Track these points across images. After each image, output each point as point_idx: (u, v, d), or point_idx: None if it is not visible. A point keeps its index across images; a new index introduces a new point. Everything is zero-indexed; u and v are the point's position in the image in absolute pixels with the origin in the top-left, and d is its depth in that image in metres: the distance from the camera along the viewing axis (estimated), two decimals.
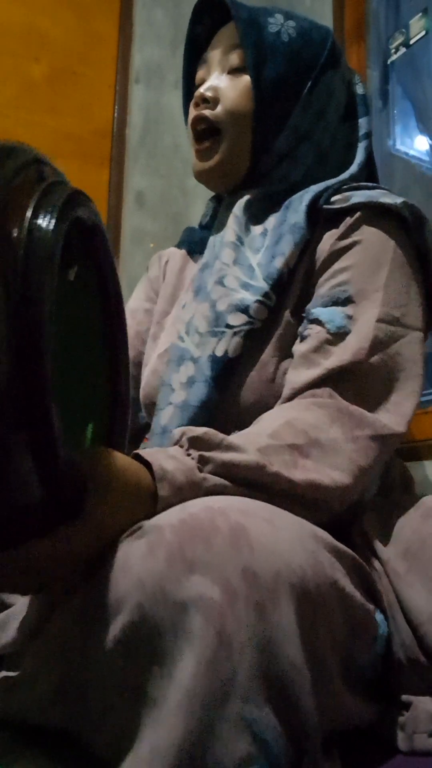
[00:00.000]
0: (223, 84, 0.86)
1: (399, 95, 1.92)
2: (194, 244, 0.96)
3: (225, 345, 0.76)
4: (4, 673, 0.55)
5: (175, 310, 0.91)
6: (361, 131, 0.90)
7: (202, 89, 0.87)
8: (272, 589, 0.43)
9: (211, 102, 0.86)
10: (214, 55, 0.89)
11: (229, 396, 0.77)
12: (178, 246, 1.00)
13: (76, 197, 0.50)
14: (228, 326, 0.77)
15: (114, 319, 0.60)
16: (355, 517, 0.70)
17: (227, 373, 0.76)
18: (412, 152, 1.91)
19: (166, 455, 0.56)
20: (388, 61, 1.90)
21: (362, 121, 0.90)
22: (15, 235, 0.43)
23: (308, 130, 0.85)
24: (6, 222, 0.43)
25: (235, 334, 0.76)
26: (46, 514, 0.47)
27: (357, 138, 0.89)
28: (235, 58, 0.86)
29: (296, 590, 0.45)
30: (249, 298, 0.77)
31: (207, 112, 0.86)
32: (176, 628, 0.42)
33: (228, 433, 0.61)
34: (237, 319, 0.77)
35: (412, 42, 1.83)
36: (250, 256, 0.82)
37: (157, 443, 0.79)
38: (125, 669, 0.44)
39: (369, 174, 0.92)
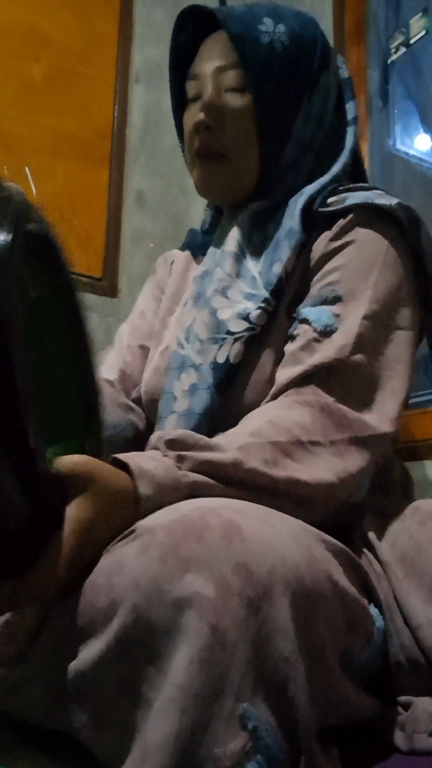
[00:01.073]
0: (223, 106, 0.83)
1: (399, 95, 1.91)
2: (197, 247, 0.96)
3: (226, 351, 0.77)
4: (2, 673, 0.55)
5: (179, 309, 0.92)
6: (349, 116, 0.88)
7: (202, 114, 0.83)
8: (266, 585, 0.43)
9: (215, 128, 0.83)
10: (206, 69, 0.85)
11: (230, 401, 0.77)
12: (182, 248, 1.01)
13: (27, 210, 0.49)
14: (229, 332, 0.77)
15: (77, 331, 0.60)
16: (355, 519, 0.70)
17: (228, 379, 0.77)
18: (412, 152, 1.91)
19: (144, 457, 0.56)
20: (388, 61, 1.90)
21: (349, 106, 0.88)
22: None
23: (311, 139, 0.85)
24: None
25: (236, 340, 0.77)
26: (30, 528, 0.47)
27: (346, 124, 0.89)
28: (231, 78, 0.83)
29: (291, 585, 0.45)
30: (251, 306, 0.78)
31: (212, 141, 0.83)
32: (171, 627, 0.42)
33: None
34: (238, 326, 0.77)
35: (412, 42, 1.83)
36: (251, 267, 0.82)
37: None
38: (122, 669, 0.44)
39: (354, 158, 0.90)
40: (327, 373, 0.69)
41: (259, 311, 0.77)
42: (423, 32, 1.79)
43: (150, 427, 0.94)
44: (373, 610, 0.59)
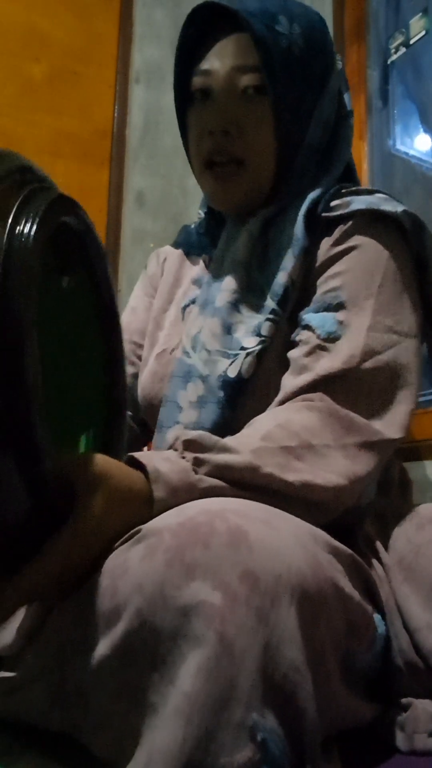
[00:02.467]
0: (240, 111, 0.80)
1: (399, 95, 1.91)
2: (191, 246, 0.95)
3: (238, 366, 0.75)
4: (3, 674, 0.55)
5: (173, 310, 0.91)
6: (346, 108, 0.87)
7: (216, 117, 0.80)
8: (273, 593, 0.43)
9: (234, 134, 0.80)
10: (220, 69, 0.81)
11: (241, 415, 0.76)
12: (174, 246, 1.00)
13: (60, 203, 0.49)
14: (242, 348, 0.76)
15: (109, 325, 0.59)
16: (358, 521, 0.70)
17: (239, 394, 0.76)
18: (412, 152, 1.91)
19: (161, 458, 0.56)
20: (388, 61, 1.90)
21: (345, 97, 0.87)
22: None
23: (320, 142, 0.84)
24: None
25: (248, 355, 0.76)
26: (35, 524, 0.47)
27: (345, 118, 0.87)
28: (251, 80, 0.79)
29: (297, 592, 0.45)
30: (261, 319, 0.77)
31: (229, 146, 0.80)
32: (176, 633, 0.42)
33: None
34: (251, 342, 0.76)
35: (412, 42, 1.83)
36: (258, 277, 0.81)
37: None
38: (124, 674, 0.44)
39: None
40: (334, 382, 0.69)
41: (268, 323, 0.76)
42: (423, 32, 1.79)
43: (142, 427, 0.93)
44: (376, 616, 0.59)
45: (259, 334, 0.76)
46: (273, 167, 0.81)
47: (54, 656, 0.50)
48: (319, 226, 0.80)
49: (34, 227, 0.43)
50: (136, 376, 0.92)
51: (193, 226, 0.98)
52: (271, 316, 0.76)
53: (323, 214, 0.79)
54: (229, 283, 0.81)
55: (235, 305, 0.80)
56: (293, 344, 0.76)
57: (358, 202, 0.77)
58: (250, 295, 0.80)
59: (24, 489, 0.44)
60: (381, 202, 0.77)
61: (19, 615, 0.57)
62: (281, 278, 0.77)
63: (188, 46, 0.85)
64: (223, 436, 0.74)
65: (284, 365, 0.76)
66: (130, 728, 0.43)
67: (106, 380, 0.60)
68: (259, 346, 0.76)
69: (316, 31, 0.83)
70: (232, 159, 0.80)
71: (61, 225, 0.49)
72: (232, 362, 0.76)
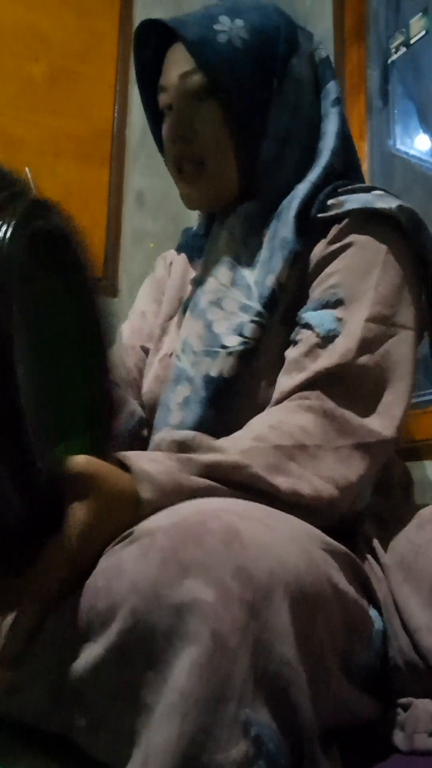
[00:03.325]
0: (193, 114, 0.82)
1: (399, 95, 1.92)
2: (192, 249, 0.95)
3: (219, 365, 0.76)
4: (2, 675, 0.55)
5: (178, 316, 0.91)
6: (331, 96, 0.85)
7: (173, 125, 0.83)
8: (266, 589, 0.43)
9: (188, 138, 0.83)
10: (171, 79, 0.83)
11: (225, 414, 0.76)
12: (178, 250, 0.99)
13: (36, 207, 0.48)
14: (223, 346, 0.76)
15: (92, 329, 0.59)
16: (357, 521, 0.70)
17: (223, 394, 0.76)
18: (412, 152, 1.91)
19: (148, 458, 0.56)
20: (389, 61, 1.90)
21: (330, 86, 0.85)
22: None
23: (288, 129, 0.82)
24: None
25: (229, 354, 0.76)
26: (29, 529, 0.47)
27: (328, 105, 0.85)
28: (195, 83, 0.81)
29: (291, 588, 0.45)
30: (245, 318, 0.77)
31: (187, 151, 0.83)
32: (171, 632, 0.42)
33: None
34: (232, 341, 0.76)
35: (412, 42, 1.83)
36: (247, 275, 0.80)
37: None
38: (120, 674, 0.44)
39: (345, 141, 0.86)
40: (331, 379, 0.69)
41: (253, 325, 0.76)
42: (423, 32, 1.79)
43: (150, 430, 0.94)
44: (373, 612, 0.59)
45: (241, 334, 0.76)
46: (234, 162, 0.82)
47: (51, 657, 0.50)
48: (314, 228, 0.79)
49: (9, 232, 0.43)
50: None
51: (193, 228, 0.98)
52: (256, 318, 0.76)
53: (318, 215, 0.78)
54: (211, 283, 0.82)
55: (216, 303, 0.80)
56: (292, 343, 0.75)
57: (353, 201, 0.77)
58: (234, 290, 0.80)
59: (15, 494, 0.44)
60: (376, 199, 0.77)
61: (16, 619, 0.57)
62: (269, 281, 0.77)
63: (148, 67, 0.88)
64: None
65: (277, 369, 0.76)
66: (127, 729, 0.43)
67: (93, 383, 0.60)
68: (241, 347, 0.75)
69: (266, 21, 0.82)
70: (193, 161, 0.83)
71: (38, 230, 0.48)
72: (214, 360, 0.76)
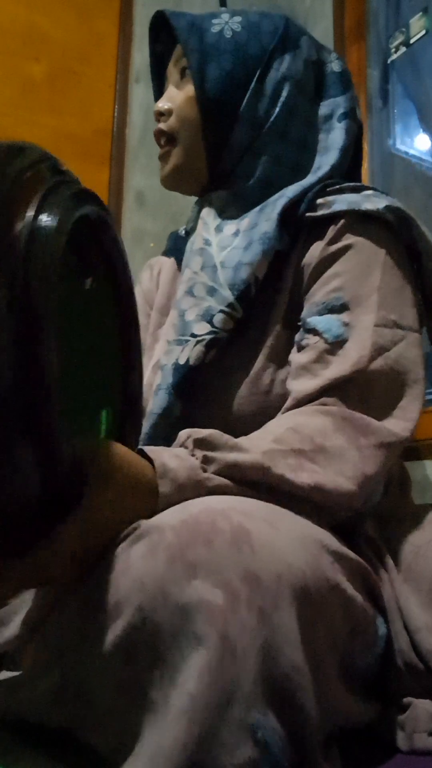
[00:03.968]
0: (174, 93, 0.87)
1: (399, 95, 1.92)
2: (179, 252, 0.94)
3: (187, 353, 0.76)
4: (4, 673, 0.55)
5: (168, 318, 0.91)
6: (339, 110, 0.85)
7: (158, 104, 0.88)
8: (274, 593, 0.43)
9: (166, 114, 0.87)
10: (170, 68, 0.90)
11: (195, 406, 0.76)
12: (166, 254, 1.00)
13: (82, 195, 0.49)
14: (192, 335, 0.77)
15: (127, 317, 0.60)
16: (359, 522, 0.70)
17: (190, 382, 0.76)
18: (412, 152, 1.91)
19: (171, 454, 0.55)
20: (389, 61, 1.90)
21: (340, 100, 0.86)
22: (18, 233, 0.43)
23: (265, 119, 0.82)
24: (11, 221, 0.43)
25: (197, 342, 0.76)
26: (47, 507, 0.47)
27: (334, 118, 0.86)
28: (180, 66, 0.87)
29: (297, 593, 0.45)
30: (214, 307, 0.77)
31: (163, 125, 0.87)
32: (178, 632, 0.42)
33: None
34: (201, 329, 0.76)
35: (412, 41, 1.83)
36: (215, 254, 0.81)
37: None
38: (125, 671, 0.44)
39: (354, 153, 0.88)
40: (346, 386, 0.69)
41: (222, 315, 0.76)
42: (423, 32, 1.79)
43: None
44: (379, 619, 0.59)
45: (210, 323, 0.76)
46: (201, 141, 0.84)
47: (56, 652, 0.50)
48: (301, 227, 0.79)
49: (57, 218, 0.44)
50: None
51: (180, 231, 0.98)
52: (227, 309, 0.76)
53: (307, 214, 0.78)
54: (186, 274, 0.83)
55: (189, 291, 0.81)
56: (297, 347, 0.75)
57: (341, 202, 0.77)
58: (203, 273, 0.80)
59: (38, 474, 0.44)
60: (363, 200, 0.76)
61: (21, 608, 0.57)
62: (244, 272, 0.76)
63: (161, 61, 0.93)
64: (171, 425, 0.75)
65: (277, 366, 0.76)
66: (131, 725, 0.43)
67: (122, 370, 0.60)
68: (209, 336, 0.75)
69: (265, 21, 0.86)
70: (167, 137, 0.87)
71: (81, 217, 0.49)
72: (183, 349, 0.76)
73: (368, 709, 0.57)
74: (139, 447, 0.56)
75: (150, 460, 0.54)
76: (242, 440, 0.60)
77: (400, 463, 0.87)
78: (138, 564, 0.45)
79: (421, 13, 1.80)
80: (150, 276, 1.00)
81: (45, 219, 0.44)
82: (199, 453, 0.57)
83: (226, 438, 0.58)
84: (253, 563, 0.44)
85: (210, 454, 0.56)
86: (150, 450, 0.55)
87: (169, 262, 0.97)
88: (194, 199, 0.93)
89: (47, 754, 0.52)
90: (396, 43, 1.87)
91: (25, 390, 0.42)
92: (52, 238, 0.44)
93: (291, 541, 0.48)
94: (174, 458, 0.55)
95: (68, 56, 1.96)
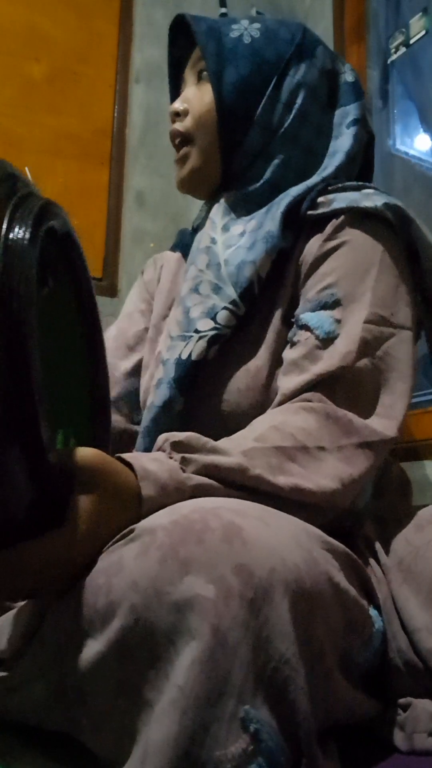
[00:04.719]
0: (191, 95, 0.89)
1: (399, 95, 1.92)
2: (186, 247, 0.96)
3: (190, 349, 0.77)
4: (2, 674, 0.55)
5: (172, 313, 0.92)
6: (349, 117, 0.87)
7: (174, 104, 0.89)
8: (266, 586, 0.43)
9: (182, 115, 0.89)
10: (187, 70, 0.92)
11: (197, 401, 0.77)
12: (173, 249, 1.00)
13: (48, 208, 0.50)
14: (196, 331, 0.78)
15: (91, 327, 0.61)
16: (356, 524, 0.70)
17: (191, 377, 0.77)
18: (412, 152, 1.91)
19: (149, 458, 0.56)
20: (389, 61, 1.90)
21: (350, 108, 0.88)
22: None
23: (279, 125, 0.84)
24: None
25: (200, 338, 0.77)
26: (34, 516, 0.47)
27: (343, 125, 0.87)
28: (198, 69, 0.89)
29: (291, 586, 0.45)
30: (218, 304, 0.78)
31: (178, 126, 0.88)
32: (172, 630, 0.42)
33: (213, 440, 0.61)
34: (204, 325, 0.77)
35: (412, 42, 1.83)
36: (219, 252, 0.82)
37: (138, 443, 0.81)
38: (121, 671, 0.44)
39: (365, 162, 0.90)
40: (332, 382, 0.69)
41: (225, 312, 0.77)
42: (423, 32, 1.79)
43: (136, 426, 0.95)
44: (373, 612, 0.59)
45: (214, 319, 0.76)
46: (217, 145, 0.85)
47: (52, 655, 0.50)
48: (304, 225, 0.79)
49: (29, 232, 0.45)
50: (132, 374, 0.93)
51: (189, 229, 0.99)
52: (230, 306, 0.77)
53: (308, 212, 0.79)
54: (191, 271, 0.83)
55: (194, 289, 0.81)
56: (290, 344, 0.76)
57: (340, 200, 0.78)
58: (209, 272, 0.81)
59: (26, 481, 0.45)
60: (362, 198, 0.77)
61: (16, 616, 0.57)
62: (247, 271, 0.77)
63: (179, 64, 0.95)
64: (180, 422, 0.76)
65: (276, 362, 0.76)
66: (128, 726, 0.43)
67: (88, 381, 0.61)
68: (212, 332, 0.76)
69: (283, 29, 0.87)
70: (183, 138, 0.88)
71: (49, 230, 0.50)
72: (186, 344, 0.77)
73: (369, 705, 0.57)
74: (117, 454, 0.56)
75: (129, 465, 0.54)
76: (223, 441, 0.61)
77: (399, 466, 0.88)
78: (131, 564, 0.45)
79: (421, 14, 1.80)
80: (153, 268, 1.02)
81: (17, 234, 0.45)
82: (177, 455, 0.57)
83: (205, 440, 0.59)
84: (245, 557, 0.44)
85: (188, 455, 0.57)
86: (128, 456, 0.55)
87: (174, 257, 0.99)
88: (194, 200, 0.94)
89: (47, 754, 0.52)
90: (396, 43, 1.87)
91: (10, 400, 0.43)
92: (26, 252, 0.44)
93: (283, 536, 0.49)
94: (153, 461, 0.55)
95: (68, 56, 1.96)
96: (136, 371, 0.93)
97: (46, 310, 0.54)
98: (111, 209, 1.93)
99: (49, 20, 1.95)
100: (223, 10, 2.12)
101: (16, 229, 0.45)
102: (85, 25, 2.02)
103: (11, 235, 0.44)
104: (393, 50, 1.88)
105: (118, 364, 0.93)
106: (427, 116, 1.89)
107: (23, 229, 0.45)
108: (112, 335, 0.97)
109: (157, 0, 2.13)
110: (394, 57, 1.89)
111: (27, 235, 0.45)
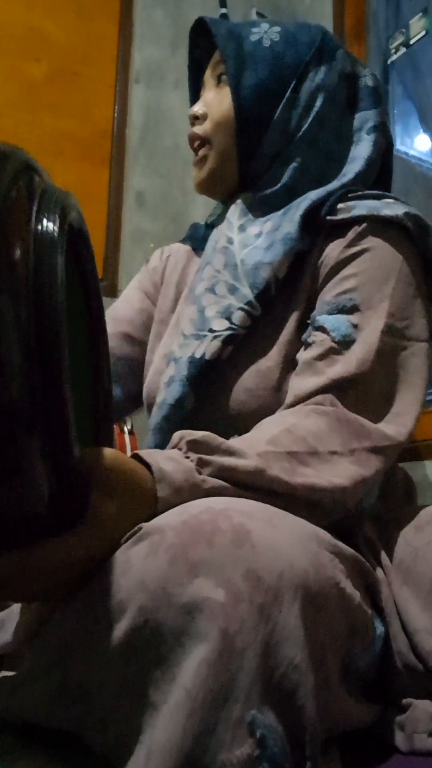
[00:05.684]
0: (210, 98, 0.89)
1: (399, 95, 1.92)
2: (198, 240, 0.96)
3: (204, 348, 0.77)
4: (4, 673, 0.55)
5: (179, 308, 0.92)
6: (369, 124, 0.87)
7: (193, 108, 0.90)
8: (276, 591, 0.43)
9: (201, 118, 0.89)
10: (207, 73, 0.92)
11: (209, 400, 0.77)
12: (183, 241, 1.01)
13: (69, 201, 0.50)
14: (210, 330, 0.78)
15: (96, 321, 0.60)
16: (358, 524, 0.70)
17: (204, 376, 0.77)
18: (412, 152, 1.91)
19: (165, 457, 0.56)
20: (388, 61, 1.90)
21: (370, 114, 0.88)
22: (22, 243, 0.43)
23: (297, 128, 0.84)
24: (11, 230, 0.43)
25: (215, 338, 0.77)
26: (53, 514, 0.47)
27: (363, 131, 0.87)
28: (218, 71, 0.89)
29: (299, 591, 0.45)
30: (234, 304, 0.78)
31: (197, 129, 0.89)
32: (179, 631, 0.42)
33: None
34: (220, 325, 0.78)
35: (412, 42, 1.83)
36: (236, 252, 0.82)
37: (149, 439, 0.81)
38: (127, 672, 0.44)
39: (383, 168, 0.90)
40: (346, 386, 0.69)
41: (241, 313, 0.77)
42: (423, 32, 1.79)
43: (131, 404, 0.96)
44: (376, 618, 0.59)
45: (229, 319, 0.77)
46: (235, 147, 0.86)
47: (57, 654, 0.50)
48: (321, 230, 0.80)
49: (57, 224, 0.45)
50: (127, 362, 0.94)
51: (206, 221, 0.99)
52: (246, 307, 0.77)
53: (327, 218, 0.79)
54: (208, 271, 0.83)
55: (210, 289, 0.82)
56: (305, 345, 0.76)
57: (360, 207, 0.78)
58: (225, 272, 0.81)
59: (47, 477, 0.44)
60: (383, 206, 0.77)
61: (20, 614, 0.57)
62: (264, 272, 0.78)
63: (199, 67, 0.95)
64: (191, 421, 0.75)
65: (288, 363, 0.76)
66: (132, 726, 0.43)
67: (91, 379, 0.61)
68: (227, 332, 0.76)
69: (303, 33, 0.87)
70: (201, 140, 0.89)
71: (71, 222, 0.49)
72: (201, 343, 0.77)
73: (368, 711, 0.57)
74: (134, 452, 0.56)
75: (146, 464, 0.54)
76: (237, 442, 0.61)
77: (403, 470, 0.88)
78: (140, 565, 0.45)
79: (421, 14, 1.80)
80: (159, 259, 1.02)
81: (46, 225, 0.44)
82: (194, 455, 0.57)
83: (220, 441, 0.58)
84: (255, 561, 0.44)
85: (205, 457, 0.57)
86: (145, 454, 0.55)
87: (183, 249, 0.99)
88: (194, 200, 0.94)
89: (47, 754, 0.52)
90: (396, 43, 1.87)
91: (41, 394, 0.42)
92: (56, 248, 0.44)
93: (292, 539, 0.48)
94: (169, 461, 0.55)
95: (68, 56, 1.96)
96: (114, 339, 0.94)
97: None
98: (111, 209, 1.93)
99: (49, 20, 1.95)
100: (223, 10, 2.12)
101: (44, 222, 0.44)
102: (85, 25, 2.02)
103: (40, 227, 0.44)
104: (393, 50, 1.89)
105: (112, 350, 0.94)
106: (426, 117, 1.89)
107: (51, 221, 0.45)
108: (107, 322, 0.98)
109: (157, 0, 2.13)
110: (394, 57, 1.89)
111: (56, 228, 0.45)
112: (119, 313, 0.98)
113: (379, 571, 0.64)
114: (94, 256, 0.58)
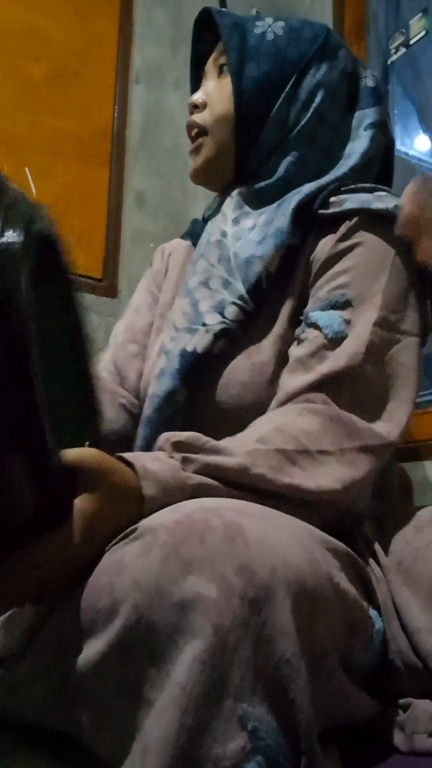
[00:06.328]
0: (211, 88, 0.89)
1: (399, 95, 1.92)
2: (196, 236, 0.96)
3: (195, 341, 0.77)
4: (3, 674, 0.55)
5: (177, 304, 0.92)
6: (367, 120, 0.87)
7: (194, 96, 0.90)
8: (268, 586, 0.43)
9: (201, 107, 0.89)
10: (209, 63, 0.92)
11: (200, 394, 0.77)
12: (183, 237, 1.01)
13: (37, 212, 0.50)
14: (203, 324, 0.78)
15: (76, 328, 0.60)
16: (356, 525, 0.70)
17: (196, 369, 0.77)
18: (412, 152, 1.91)
19: (150, 457, 0.56)
20: (388, 61, 1.90)
21: (369, 111, 0.88)
22: None
23: (295, 123, 0.84)
24: None
25: (207, 332, 0.77)
26: (39, 518, 0.47)
27: (361, 128, 0.87)
28: (219, 62, 0.89)
29: (293, 586, 0.45)
30: (227, 299, 0.78)
31: (196, 117, 0.89)
32: (173, 628, 0.42)
33: (214, 434, 0.61)
34: (212, 319, 0.78)
35: (412, 42, 1.83)
36: (230, 245, 0.82)
37: (140, 432, 0.81)
38: (123, 671, 0.44)
39: (385, 168, 0.90)
40: (338, 382, 0.69)
41: (233, 308, 0.77)
42: (423, 33, 1.79)
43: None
44: (372, 612, 0.59)
45: (222, 314, 0.76)
46: (232, 138, 0.86)
47: (54, 655, 0.50)
48: (314, 223, 0.80)
49: (22, 235, 0.45)
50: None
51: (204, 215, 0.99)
52: (238, 302, 0.77)
53: (320, 212, 0.79)
54: (201, 264, 0.84)
55: (204, 283, 0.82)
56: (297, 341, 0.76)
57: (353, 201, 0.78)
58: (220, 266, 0.81)
59: (30, 486, 0.44)
60: (375, 199, 0.77)
61: (19, 616, 0.57)
62: (256, 266, 0.77)
63: (202, 60, 0.95)
64: (183, 415, 0.76)
65: (282, 358, 0.76)
66: (128, 724, 0.43)
67: (75, 383, 0.61)
68: (219, 326, 0.76)
69: (307, 26, 0.88)
70: (199, 129, 0.89)
71: (38, 233, 0.50)
72: (192, 337, 0.77)
73: (370, 705, 0.57)
74: (118, 454, 0.56)
75: (130, 464, 0.54)
76: (225, 441, 0.61)
77: (402, 469, 0.88)
78: (133, 564, 0.45)
79: (421, 14, 1.80)
80: (161, 258, 1.02)
81: (10, 239, 0.45)
82: (178, 455, 0.57)
83: (205, 440, 0.59)
84: (247, 557, 0.44)
85: (189, 455, 0.57)
86: (129, 455, 0.55)
87: (183, 245, 0.99)
88: (194, 200, 0.95)
89: (47, 754, 0.53)
90: (396, 43, 1.87)
91: (14, 408, 0.42)
92: (21, 259, 0.44)
93: (284, 536, 0.49)
94: (154, 461, 0.55)
95: (68, 57, 1.96)
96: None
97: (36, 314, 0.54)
98: (111, 209, 1.93)
99: (49, 20, 1.95)
100: (223, 10, 2.12)
101: (9, 233, 0.45)
102: (85, 25, 2.01)
103: (3, 239, 0.44)
104: (393, 51, 1.89)
105: (128, 361, 0.93)
106: (426, 117, 1.89)
107: (16, 232, 0.45)
108: (120, 329, 0.97)
109: (157, 0, 2.13)
110: (393, 57, 1.89)
111: (20, 239, 0.45)
112: (135, 326, 0.96)
113: (377, 571, 0.64)
114: (67, 263, 0.59)
